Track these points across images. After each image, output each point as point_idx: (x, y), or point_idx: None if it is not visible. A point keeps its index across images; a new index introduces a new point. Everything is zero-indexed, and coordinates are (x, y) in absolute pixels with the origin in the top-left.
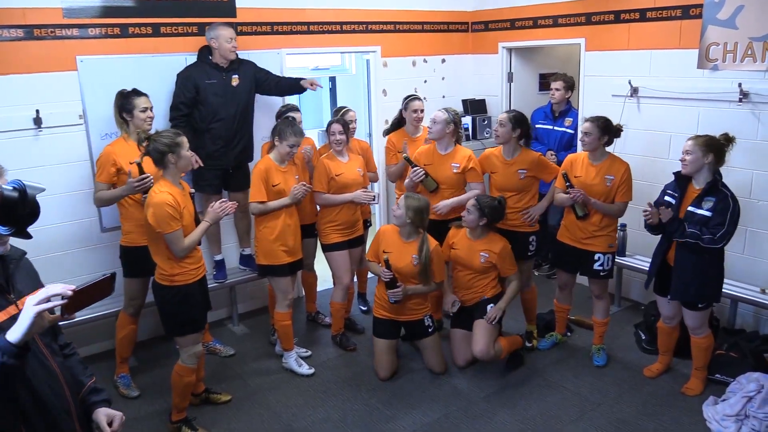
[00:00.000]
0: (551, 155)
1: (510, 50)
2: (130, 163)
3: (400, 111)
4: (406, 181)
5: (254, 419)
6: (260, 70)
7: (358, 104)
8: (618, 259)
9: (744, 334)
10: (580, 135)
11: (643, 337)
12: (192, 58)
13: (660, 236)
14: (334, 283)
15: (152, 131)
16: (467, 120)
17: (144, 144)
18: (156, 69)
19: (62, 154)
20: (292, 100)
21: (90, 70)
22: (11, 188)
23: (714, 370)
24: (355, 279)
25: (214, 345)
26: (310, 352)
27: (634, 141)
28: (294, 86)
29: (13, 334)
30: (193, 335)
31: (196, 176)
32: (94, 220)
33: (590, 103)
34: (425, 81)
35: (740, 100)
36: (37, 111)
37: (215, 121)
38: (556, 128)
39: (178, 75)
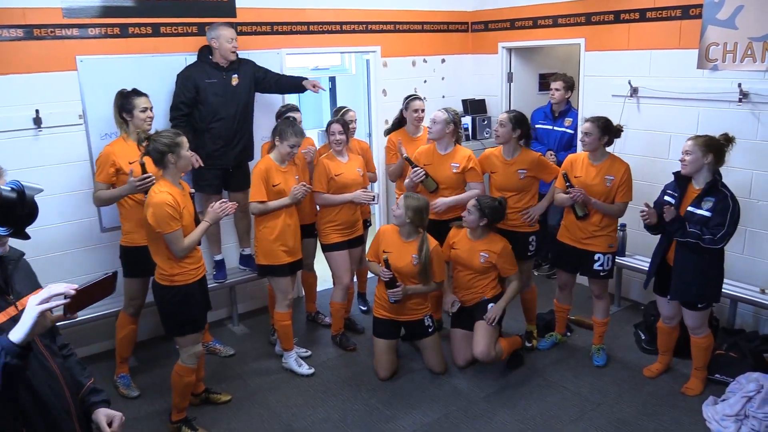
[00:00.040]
0: (550, 155)
1: (510, 50)
2: (130, 163)
3: (401, 111)
4: (406, 181)
5: (254, 419)
6: (259, 69)
7: (358, 104)
8: (618, 259)
9: (743, 334)
10: (580, 135)
11: (643, 337)
12: (191, 58)
13: (659, 236)
14: (334, 283)
15: (152, 131)
16: (467, 120)
17: (144, 144)
18: (156, 69)
19: (62, 154)
20: (291, 99)
21: (90, 70)
22: (9, 189)
23: (714, 370)
24: (355, 279)
25: (214, 345)
26: (310, 352)
27: (633, 141)
28: (295, 85)
29: (16, 334)
30: (193, 335)
31: (197, 176)
32: (93, 220)
33: (590, 103)
34: (425, 81)
35: (740, 100)
36: (37, 111)
37: (215, 120)
38: (555, 128)
39: (179, 75)
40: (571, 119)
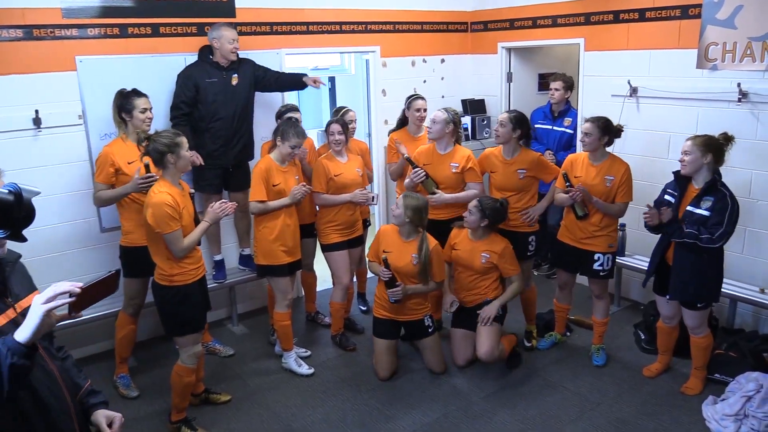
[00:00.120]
0: (549, 155)
1: (509, 50)
2: (129, 163)
3: (404, 110)
4: (406, 181)
5: (254, 419)
6: (259, 68)
7: (358, 104)
8: (618, 259)
9: (743, 333)
10: (580, 135)
11: (643, 337)
12: (191, 59)
13: (659, 235)
14: (334, 283)
15: (151, 131)
16: (466, 120)
17: (144, 144)
18: (155, 69)
19: (62, 155)
20: (291, 99)
21: (89, 71)
22: (7, 191)
23: (713, 370)
24: (355, 279)
25: (214, 345)
26: (309, 352)
27: (633, 141)
28: (295, 82)
29: (22, 334)
30: (193, 335)
31: (197, 176)
32: (93, 221)
33: (589, 103)
34: (424, 81)
35: (739, 100)
36: (37, 111)
37: (215, 120)
38: (555, 128)
39: (179, 74)
40: (570, 119)
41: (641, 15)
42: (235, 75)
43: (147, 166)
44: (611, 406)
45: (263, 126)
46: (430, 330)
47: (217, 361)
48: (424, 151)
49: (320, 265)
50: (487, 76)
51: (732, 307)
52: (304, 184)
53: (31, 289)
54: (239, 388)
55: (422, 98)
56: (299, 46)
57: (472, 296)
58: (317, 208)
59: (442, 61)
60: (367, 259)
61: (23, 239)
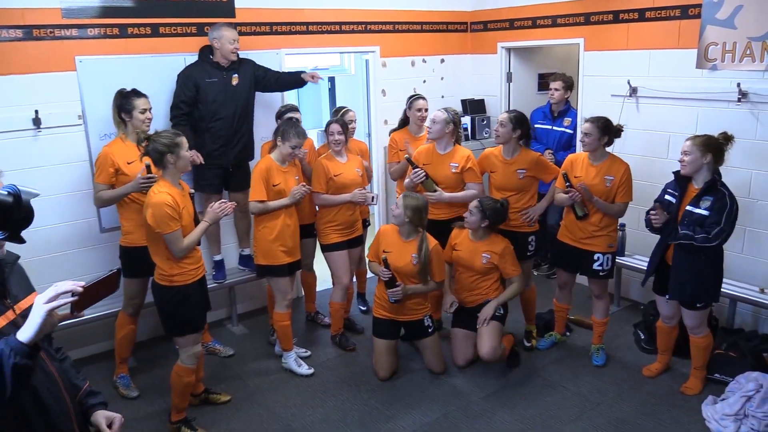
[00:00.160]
0: (549, 154)
1: (509, 50)
2: (128, 163)
3: (405, 110)
4: (406, 181)
5: (253, 419)
6: (259, 68)
7: (357, 104)
8: (617, 259)
9: (743, 333)
10: (580, 135)
11: (642, 337)
12: (191, 59)
13: (660, 235)
14: (334, 283)
15: (150, 132)
16: (466, 120)
17: (143, 144)
18: (155, 69)
19: (61, 155)
20: (291, 99)
21: (89, 71)
22: (6, 193)
23: (713, 370)
24: (355, 279)
25: (214, 345)
26: (309, 353)
27: (633, 141)
28: (295, 81)
29: (25, 334)
30: (193, 335)
31: (197, 176)
32: (93, 221)
33: (589, 103)
34: (424, 81)
35: (739, 100)
36: (36, 111)
37: (215, 120)
38: (555, 128)
39: (179, 74)
40: (570, 119)
41: (641, 15)
42: (236, 75)
43: (148, 167)
44: (611, 405)
45: (263, 126)
46: (429, 330)
47: (217, 361)
48: (423, 151)
49: (320, 265)
50: (487, 76)
51: (732, 306)
52: (304, 184)
53: (30, 290)
54: (239, 388)
55: (423, 98)
56: (299, 47)
57: (473, 297)
58: (317, 208)
59: (442, 61)
60: (366, 259)
61: (21, 241)
